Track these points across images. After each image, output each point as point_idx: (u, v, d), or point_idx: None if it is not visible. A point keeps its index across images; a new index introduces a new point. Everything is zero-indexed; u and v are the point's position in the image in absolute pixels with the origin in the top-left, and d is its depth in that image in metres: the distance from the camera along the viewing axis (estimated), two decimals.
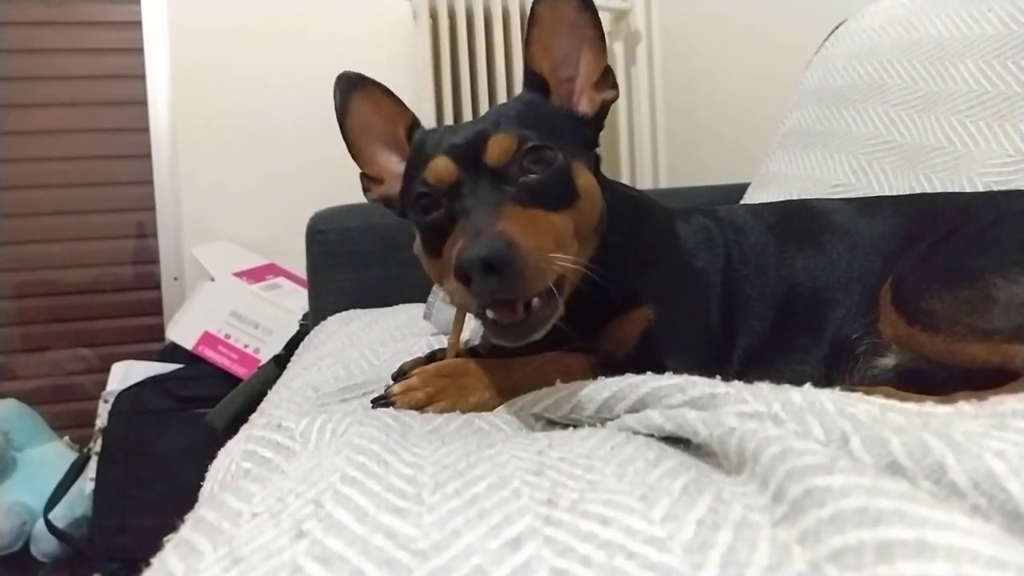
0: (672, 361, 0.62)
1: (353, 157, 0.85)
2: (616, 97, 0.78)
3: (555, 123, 0.74)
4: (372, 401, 0.70)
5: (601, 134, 0.80)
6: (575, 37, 0.76)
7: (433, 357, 0.84)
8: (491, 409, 0.67)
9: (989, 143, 1.05)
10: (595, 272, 0.66)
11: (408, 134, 0.81)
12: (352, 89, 0.85)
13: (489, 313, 0.63)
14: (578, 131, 0.77)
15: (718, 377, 0.55)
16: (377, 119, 0.83)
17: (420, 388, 0.69)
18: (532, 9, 0.74)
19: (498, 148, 0.68)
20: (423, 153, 0.72)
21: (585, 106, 0.77)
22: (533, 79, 0.77)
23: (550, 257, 0.62)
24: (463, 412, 0.66)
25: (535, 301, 0.62)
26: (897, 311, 0.69)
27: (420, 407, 0.67)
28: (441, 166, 0.69)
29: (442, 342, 1.01)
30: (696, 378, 0.53)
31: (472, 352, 0.82)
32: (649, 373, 0.57)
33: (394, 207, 0.83)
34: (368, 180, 0.85)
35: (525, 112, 0.73)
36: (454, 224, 0.67)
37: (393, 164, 0.83)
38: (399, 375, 0.76)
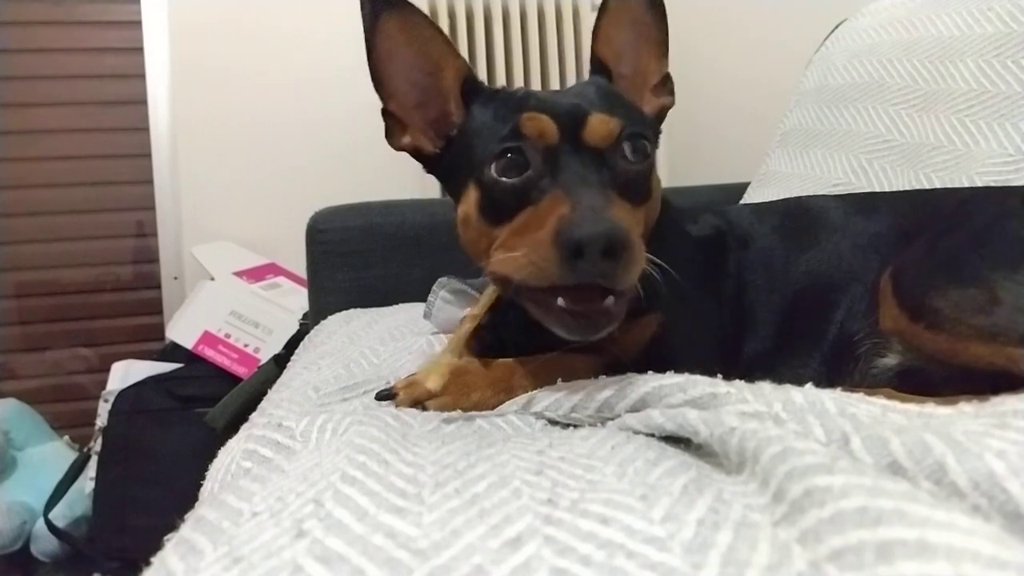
0: (681, 367, 0.59)
1: (375, 87, 0.75)
2: (672, 105, 0.76)
3: (634, 110, 0.72)
4: (376, 395, 0.70)
5: None
6: (638, 35, 0.74)
7: None
8: (492, 407, 0.67)
9: (989, 142, 1.05)
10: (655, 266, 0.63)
11: (465, 87, 0.74)
12: (384, 7, 0.72)
13: (562, 302, 0.59)
14: (647, 121, 0.75)
15: (719, 376, 0.55)
16: (412, 52, 0.73)
17: (424, 383, 0.68)
18: (604, 10, 0.73)
19: (603, 127, 0.64)
20: (511, 105, 0.68)
21: (646, 107, 0.75)
22: (599, 66, 0.75)
23: (644, 254, 0.59)
24: (464, 409, 0.66)
25: (610, 298, 0.59)
26: (899, 306, 0.69)
27: (423, 400, 0.67)
28: (543, 121, 0.64)
29: (442, 341, 1.01)
30: (697, 377, 0.54)
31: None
32: (650, 372, 0.57)
33: (426, 159, 0.76)
34: (392, 120, 0.76)
35: (614, 96, 0.70)
36: (537, 194, 0.62)
37: (427, 110, 0.75)
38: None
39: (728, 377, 0.55)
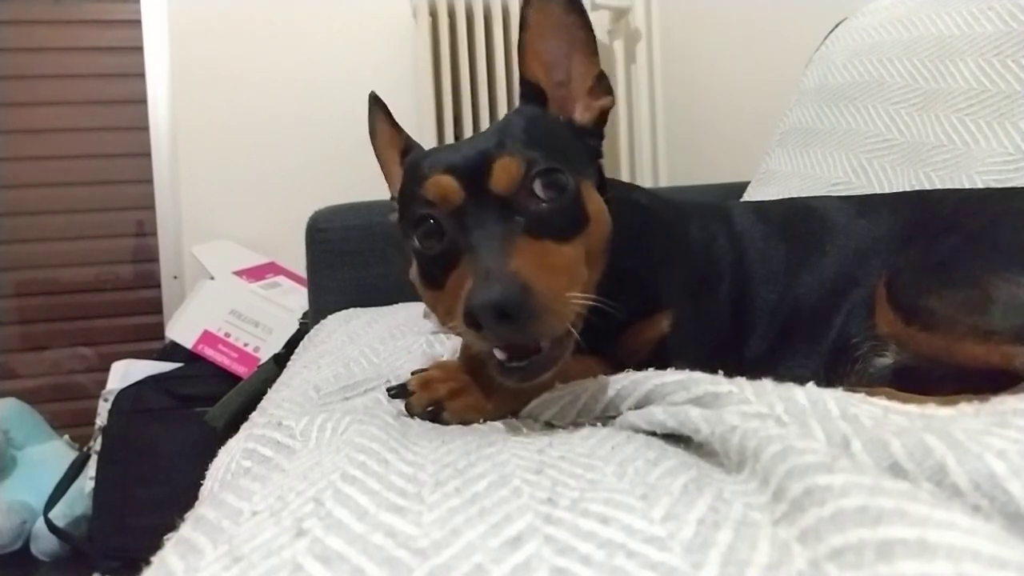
0: (690, 366, 0.58)
1: (387, 181, 0.85)
2: (612, 104, 0.74)
3: (560, 138, 0.70)
4: (388, 390, 0.68)
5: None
6: (565, 40, 0.72)
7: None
8: (511, 410, 0.64)
9: (989, 141, 1.05)
10: (606, 299, 0.61)
11: (402, 156, 0.78)
12: (372, 110, 0.84)
13: (498, 353, 0.58)
14: (581, 143, 0.73)
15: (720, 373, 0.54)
16: (386, 138, 0.83)
17: (442, 382, 0.66)
18: (521, 13, 0.71)
19: (505, 173, 0.62)
20: (420, 172, 0.67)
21: (582, 114, 0.74)
22: (529, 88, 0.73)
23: (566, 297, 0.57)
24: (480, 416, 0.64)
25: (544, 345, 0.58)
26: (894, 308, 0.69)
27: (439, 401, 0.65)
28: (444, 184, 0.63)
29: (442, 341, 1.01)
30: (699, 375, 0.53)
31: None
32: (652, 370, 0.57)
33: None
34: (393, 201, 0.82)
35: (529, 129, 0.67)
36: (458, 257, 0.62)
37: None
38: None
39: (730, 376, 0.55)
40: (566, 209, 0.64)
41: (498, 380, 0.60)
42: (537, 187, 0.62)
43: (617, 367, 0.64)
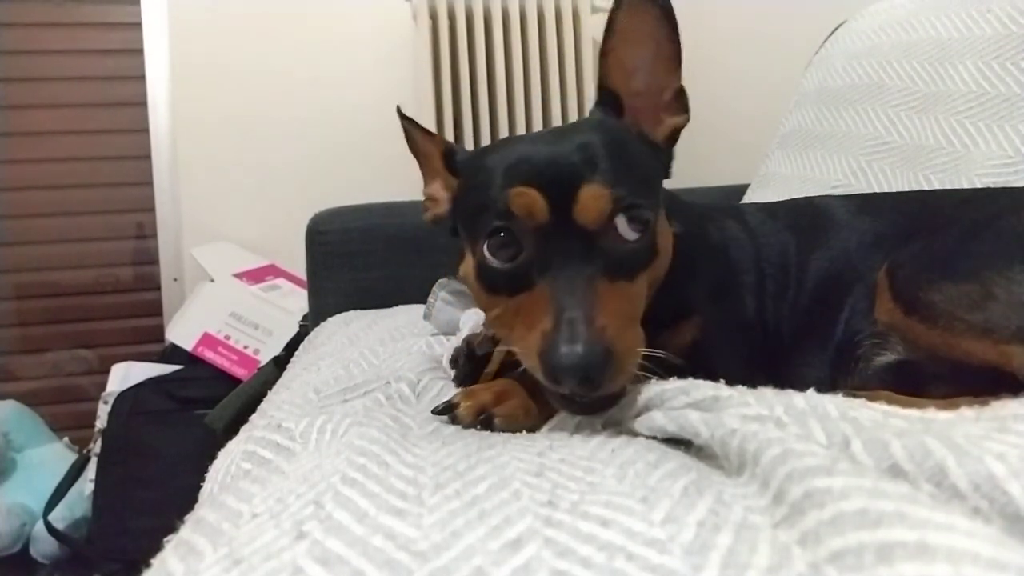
0: (723, 370, 0.57)
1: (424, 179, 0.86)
2: (685, 123, 0.72)
3: (639, 161, 0.67)
4: (433, 411, 0.66)
5: None
6: (652, 49, 0.69)
7: (471, 344, 0.80)
8: (556, 410, 0.63)
9: (988, 144, 1.05)
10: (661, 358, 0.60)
11: (445, 158, 0.78)
12: (404, 118, 0.86)
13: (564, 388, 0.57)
14: (654, 164, 0.70)
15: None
16: (425, 143, 0.83)
17: (485, 390, 0.65)
18: (610, 17, 0.67)
19: (593, 205, 0.59)
20: (493, 177, 0.64)
21: (653, 129, 0.71)
22: (607, 96, 0.70)
23: (637, 353, 0.56)
24: (530, 419, 0.63)
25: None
26: (894, 299, 0.69)
27: (487, 408, 0.63)
28: (532, 200, 0.60)
29: (442, 343, 1.01)
30: (700, 381, 0.53)
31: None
32: (654, 379, 0.57)
33: (443, 227, 0.79)
34: (428, 201, 0.84)
35: (611, 148, 0.64)
36: (532, 279, 0.60)
37: (436, 189, 0.82)
38: (461, 353, 0.74)
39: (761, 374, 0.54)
40: (645, 248, 0.63)
41: (558, 408, 0.60)
42: (621, 223, 0.60)
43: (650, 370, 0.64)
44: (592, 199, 0.59)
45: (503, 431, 0.61)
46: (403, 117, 0.85)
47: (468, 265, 0.68)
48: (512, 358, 0.74)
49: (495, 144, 0.73)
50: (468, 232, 0.68)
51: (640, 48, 0.69)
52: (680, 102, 0.72)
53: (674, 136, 0.72)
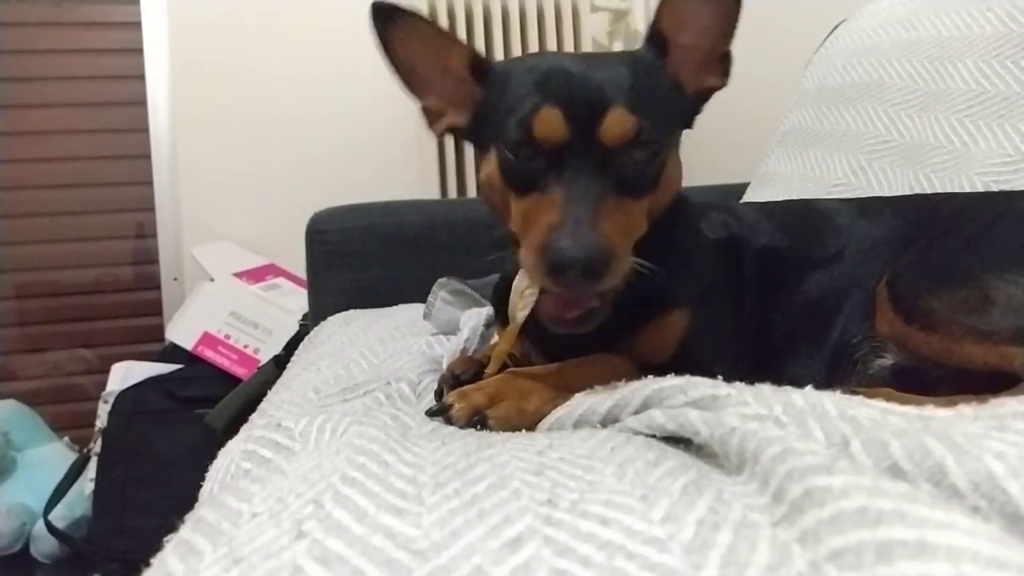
0: (715, 365, 0.59)
1: (409, 90, 0.79)
2: (721, 86, 0.74)
3: (664, 102, 0.70)
4: (427, 412, 0.67)
5: None
6: (711, 8, 0.71)
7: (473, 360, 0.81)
8: (551, 409, 0.64)
9: (988, 142, 1.05)
10: (643, 267, 0.64)
11: (472, 67, 0.75)
12: (388, 22, 0.78)
13: (550, 302, 0.64)
14: (679, 110, 0.73)
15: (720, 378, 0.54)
16: (421, 52, 0.77)
17: (478, 390, 0.65)
18: None
19: (618, 129, 0.63)
20: (521, 92, 0.66)
21: (690, 83, 0.73)
22: (655, 37, 0.72)
23: (628, 258, 0.61)
24: (524, 419, 0.63)
25: (594, 301, 0.63)
26: (894, 309, 0.69)
27: (480, 410, 0.63)
28: (553, 123, 0.64)
29: (442, 342, 1.01)
30: (697, 379, 0.53)
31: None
32: (651, 376, 0.57)
33: (463, 136, 0.79)
34: (429, 114, 0.79)
35: (643, 80, 0.67)
36: (547, 181, 0.64)
37: (451, 94, 0.77)
38: (446, 382, 0.74)
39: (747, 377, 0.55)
40: (652, 174, 0.67)
41: (542, 319, 0.66)
42: (637, 149, 0.64)
43: (643, 368, 0.64)
44: (617, 123, 0.63)
45: (497, 431, 0.61)
46: (404, 12, 0.76)
47: (490, 166, 0.70)
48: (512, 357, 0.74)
49: (529, 57, 0.75)
50: (490, 133, 0.70)
51: (700, 4, 0.71)
52: (723, 66, 0.74)
53: (706, 96, 0.75)
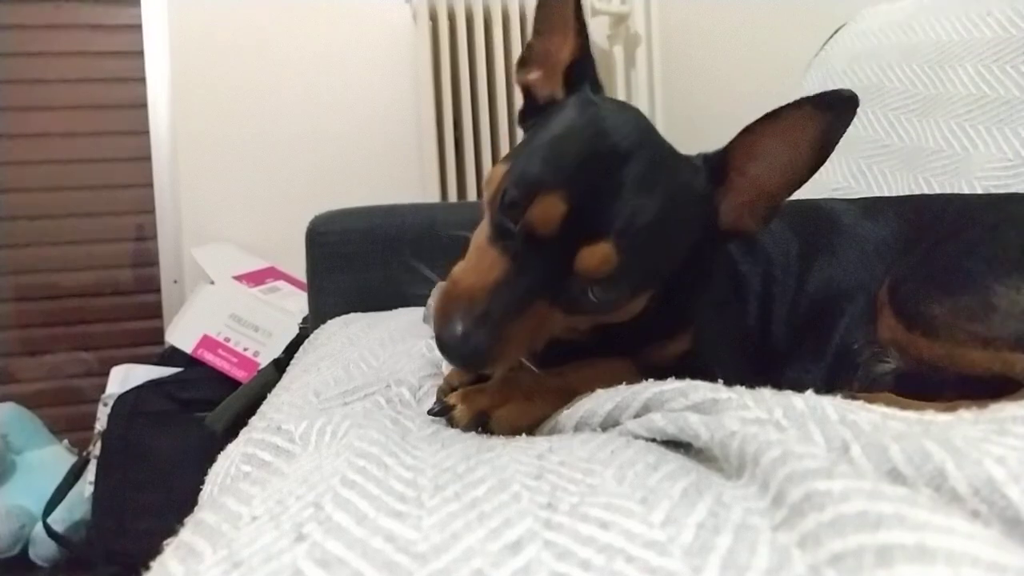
0: (719, 370, 0.58)
1: (522, 59, 0.74)
2: (753, 233, 0.68)
3: (678, 244, 0.64)
4: (429, 412, 0.66)
5: None
6: (790, 155, 0.63)
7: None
8: (555, 410, 0.63)
9: (988, 147, 1.05)
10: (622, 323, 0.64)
11: (569, 70, 0.70)
12: None
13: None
14: (695, 249, 0.66)
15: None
16: (558, 24, 0.71)
17: (481, 392, 0.65)
18: (782, 110, 0.62)
19: (591, 263, 0.58)
20: (552, 155, 0.62)
21: (729, 220, 0.66)
22: (720, 164, 0.65)
23: (517, 360, 0.61)
24: (529, 421, 0.63)
25: None
26: (896, 315, 0.69)
27: (484, 412, 0.62)
28: (548, 216, 0.58)
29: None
30: (698, 382, 0.53)
31: None
32: (651, 379, 0.57)
33: (528, 106, 0.74)
34: (529, 53, 0.73)
35: (663, 221, 0.60)
36: (503, 248, 0.60)
37: (542, 79, 0.73)
38: (444, 394, 0.72)
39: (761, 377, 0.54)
40: (605, 309, 0.62)
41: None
42: (600, 288, 0.60)
43: (645, 371, 0.64)
44: (594, 258, 0.58)
45: (500, 434, 0.61)
46: None
47: (498, 172, 0.66)
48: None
49: (611, 109, 0.67)
50: (516, 153, 0.67)
51: (783, 147, 0.63)
52: (767, 215, 0.67)
53: (735, 237, 0.69)
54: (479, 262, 0.62)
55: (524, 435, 0.60)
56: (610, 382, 0.61)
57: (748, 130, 0.63)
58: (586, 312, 0.62)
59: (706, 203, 0.65)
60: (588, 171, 0.60)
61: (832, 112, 0.61)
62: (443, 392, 0.75)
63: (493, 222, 0.62)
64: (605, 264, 0.58)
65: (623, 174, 0.60)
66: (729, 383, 0.53)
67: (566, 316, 0.62)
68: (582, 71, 0.70)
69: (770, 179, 0.64)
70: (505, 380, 0.66)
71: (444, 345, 0.58)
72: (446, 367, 0.86)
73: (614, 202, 0.59)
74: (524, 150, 0.66)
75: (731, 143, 0.65)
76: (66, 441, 2.27)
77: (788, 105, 0.61)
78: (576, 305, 0.61)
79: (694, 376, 0.56)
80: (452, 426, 0.63)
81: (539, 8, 0.72)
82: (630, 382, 0.59)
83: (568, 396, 0.63)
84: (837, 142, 0.62)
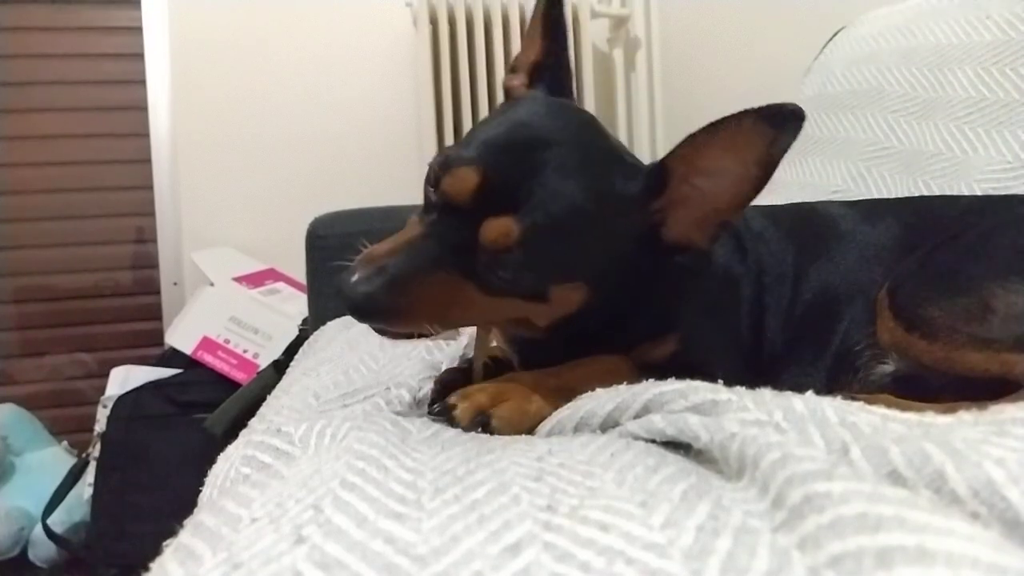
0: (712, 367, 0.58)
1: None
2: (704, 251, 0.67)
3: (594, 238, 0.64)
4: (429, 411, 0.67)
5: None
6: (738, 171, 0.62)
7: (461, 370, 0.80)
8: (554, 409, 0.63)
9: (987, 149, 1.05)
10: (605, 321, 0.64)
11: (536, 66, 0.74)
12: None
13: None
14: (628, 253, 0.66)
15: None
16: (533, 31, 0.75)
17: (481, 391, 0.65)
18: (723, 122, 0.61)
19: (493, 234, 0.59)
20: (476, 132, 0.65)
21: (674, 233, 0.66)
22: (659, 173, 0.65)
23: (426, 326, 0.62)
24: (529, 420, 0.63)
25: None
26: (895, 318, 0.69)
27: (485, 411, 0.62)
28: (461, 184, 0.60)
29: (441, 348, 1.01)
30: (699, 383, 0.53)
31: (496, 364, 0.79)
32: (652, 380, 0.57)
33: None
34: (516, 61, 0.76)
35: (577, 210, 0.61)
36: (427, 214, 0.63)
37: (516, 79, 0.76)
38: (440, 391, 0.72)
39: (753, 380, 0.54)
40: (518, 289, 0.63)
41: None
42: (504, 267, 0.61)
43: (643, 367, 0.65)
44: (497, 231, 0.60)
45: (500, 433, 0.61)
46: None
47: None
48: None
49: (552, 108, 0.68)
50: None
51: (731, 163, 0.62)
52: (716, 232, 0.66)
53: (681, 251, 0.68)
54: (401, 232, 0.64)
55: (523, 437, 0.60)
56: (608, 381, 0.62)
57: (690, 139, 0.63)
58: (500, 293, 0.62)
59: (638, 208, 0.65)
60: (506, 152, 0.62)
61: (777, 128, 0.59)
62: (437, 392, 0.75)
63: (425, 191, 0.65)
64: (504, 237, 0.59)
65: (541, 161, 0.61)
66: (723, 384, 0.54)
67: (486, 296, 0.63)
68: (544, 72, 0.73)
69: (720, 195, 0.64)
70: (504, 380, 0.67)
71: (339, 291, 0.60)
72: (446, 366, 0.86)
73: (527, 184, 0.60)
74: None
75: (672, 151, 0.64)
76: (65, 443, 2.27)
77: (730, 116, 0.60)
78: (488, 283, 0.62)
79: (686, 374, 0.56)
80: (453, 426, 0.63)
81: (532, 18, 0.75)
82: (630, 381, 0.59)
83: (567, 395, 0.63)
84: (782, 158, 0.60)
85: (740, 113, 0.60)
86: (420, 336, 0.64)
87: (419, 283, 0.60)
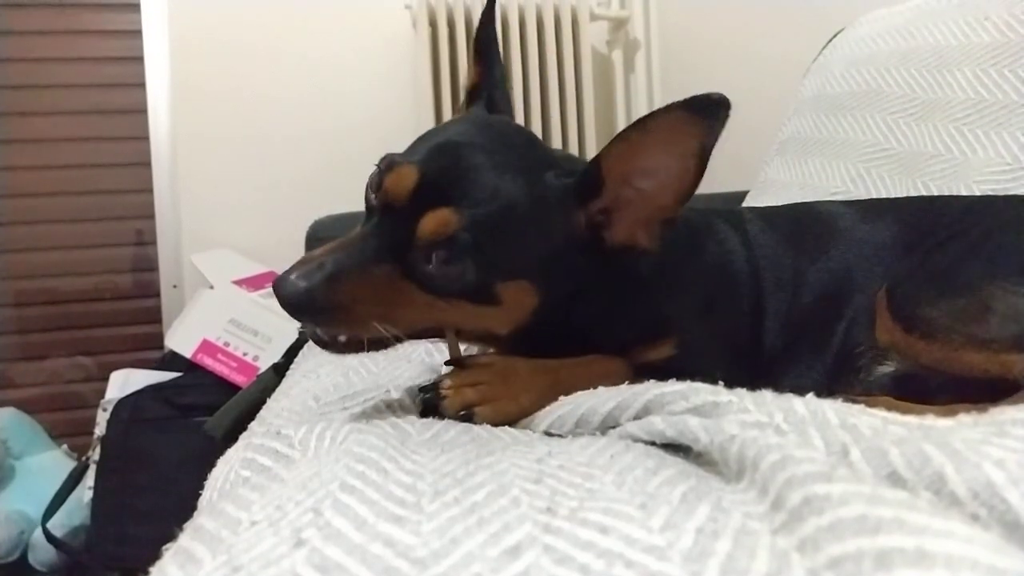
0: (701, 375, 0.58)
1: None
2: (650, 252, 0.67)
3: (525, 236, 0.65)
4: (420, 389, 0.69)
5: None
6: (674, 166, 0.63)
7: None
8: (540, 406, 0.64)
9: (987, 151, 1.05)
10: (596, 324, 0.66)
11: (471, 91, 0.79)
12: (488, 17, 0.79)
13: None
14: (569, 252, 0.67)
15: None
16: (474, 60, 0.80)
17: (472, 385, 0.66)
18: (651, 118, 0.62)
19: (431, 225, 0.61)
20: (420, 139, 0.69)
21: (619, 235, 0.67)
22: (593, 171, 0.66)
23: (372, 326, 0.62)
24: (511, 419, 0.64)
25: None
26: (894, 318, 0.69)
27: (471, 406, 0.64)
28: (400, 182, 0.63)
29: (441, 349, 1.01)
30: (699, 385, 0.53)
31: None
32: (652, 380, 0.57)
33: None
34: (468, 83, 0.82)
35: (506, 206, 0.63)
36: (368, 218, 0.66)
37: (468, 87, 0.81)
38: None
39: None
40: (456, 287, 0.64)
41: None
42: (439, 263, 0.62)
43: (640, 369, 0.65)
44: (434, 222, 0.61)
45: (483, 422, 0.63)
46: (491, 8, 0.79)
47: None
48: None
49: (476, 123, 0.72)
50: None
51: (667, 159, 0.63)
52: (660, 231, 0.67)
53: (627, 252, 0.68)
54: (344, 236, 0.65)
55: (523, 439, 0.60)
56: (602, 381, 0.62)
57: (622, 138, 0.64)
58: (443, 292, 0.64)
59: (575, 204, 0.67)
60: (442, 154, 0.65)
61: (709, 119, 0.60)
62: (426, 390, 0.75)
63: (367, 197, 0.67)
64: (443, 227, 0.61)
65: (477, 162, 0.64)
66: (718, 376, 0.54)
67: (428, 295, 0.64)
68: (481, 93, 0.78)
69: (662, 192, 0.65)
70: (497, 373, 0.68)
71: (273, 289, 0.60)
72: (444, 370, 0.86)
73: (463, 180, 0.63)
74: None
75: (604, 150, 0.66)
76: (65, 446, 2.27)
77: (657, 112, 0.62)
78: (428, 280, 0.63)
79: (683, 378, 0.56)
80: (437, 412, 0.66)
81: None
82: (632, 381, 0.60)
83: (557, 392, 0.64)
84: (713, 147, 0.61)
85: (667, 107, 0.61)
86: (377, 346, 0.65)
87: (357, 278, 0.61)
